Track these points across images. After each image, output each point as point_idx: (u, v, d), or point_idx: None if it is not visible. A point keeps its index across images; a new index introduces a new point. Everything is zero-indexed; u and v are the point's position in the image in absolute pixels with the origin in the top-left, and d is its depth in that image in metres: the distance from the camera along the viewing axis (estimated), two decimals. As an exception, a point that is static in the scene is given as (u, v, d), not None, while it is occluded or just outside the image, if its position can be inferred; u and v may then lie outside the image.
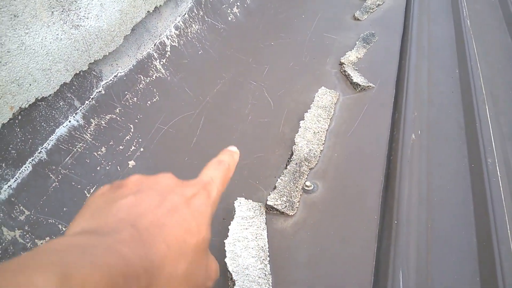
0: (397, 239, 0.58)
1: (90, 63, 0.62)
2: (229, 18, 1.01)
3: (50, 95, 0.56)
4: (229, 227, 0.61)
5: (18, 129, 0.52)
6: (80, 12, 0.59)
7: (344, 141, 0.77)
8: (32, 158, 0.54)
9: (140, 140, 0.69)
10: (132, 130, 0.68)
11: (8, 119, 0.50)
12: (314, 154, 0.75)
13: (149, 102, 0.73)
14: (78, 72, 0.60)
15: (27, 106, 0.53)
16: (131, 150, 0.67)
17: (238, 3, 1.06)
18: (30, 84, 0.52)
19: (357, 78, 0.93)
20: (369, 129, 0.80)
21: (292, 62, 1.01)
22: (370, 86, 0.91)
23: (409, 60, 0.97)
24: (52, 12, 0.54)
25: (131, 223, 0.32)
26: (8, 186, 0.51)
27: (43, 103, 0.55)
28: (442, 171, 0.71)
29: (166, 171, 0.65)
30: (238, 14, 1.04)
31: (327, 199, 0.67)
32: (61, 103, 0.58)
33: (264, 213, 0.65)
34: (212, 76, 0.89)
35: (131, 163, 0.66)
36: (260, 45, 1.03)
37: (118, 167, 0.64)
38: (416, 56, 1.00)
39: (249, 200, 0.66)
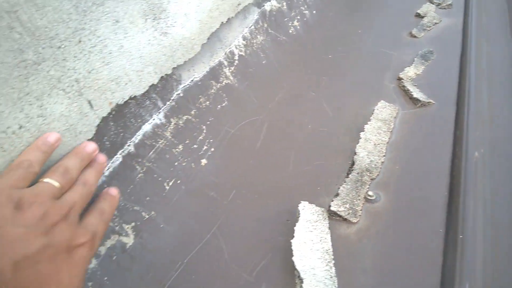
0: (463, 253, 0.58)
1: (173, 68, 0.67)
2: (290, 31, 1.05)
3: (140, 94, 0.61)
4: (295, 228, 0.64)
5: (112, 123, 0.57)
6: (168, 20, 0.65)
7: (405, 154, 0.78)
8: (122, 150, 0.59)
9: (211, 140, 0.73)
10: (204, 131, 0.73)
11: (107, 113, 0.56)
12: (376, 165, 0.76)
13: (219, 106, 0.78)
14: (163, 75, 0.65)
15: (122, 103, 0.58)
16: (203, 149, 0.71)
17: (298, 17, 1.10)
18: (126, 83, 0.58)
19: (417, 93, 0.94)
20: (430, 144, 0.80)
21: (349, 75, 1.03)
22: (431, 102, 0.91)
23: (469, 79, 0.97)
24: (146, 19, 0.60)
25: (13, 259, 0.34)
26: (102, 174, 0.56)
27: (133, 101, 0.60)
28: (506, 190, 0.71)
29: (233, 171, 0.69)
30: (298, 27, 1.08)
31: (390, 209, 0.68)
32: (147, 102, 0.63)
33: (327, 218, 0.67)
34: (273, 85, 0.93)
35: (203, 161, 0.70)
36: (318, 57, 1.06)
37: (193, 164, 0.69)
38: (476, 75, 0.99)
39: (312, 204, 0.69)
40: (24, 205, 0.37)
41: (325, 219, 0.67)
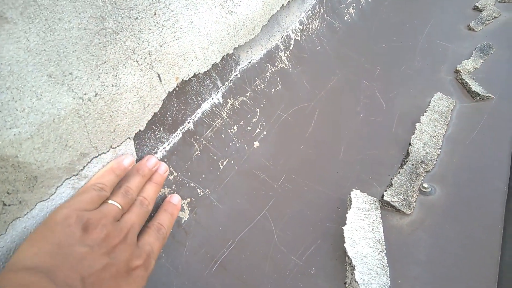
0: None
1: (234, 48, 0.67)
2: (345, 18, 1.03)
3: (202, 72, 0.62)
4: (347, 215, 0.63)
5: (175, 99, 0.58)
6: (234, -1, 0.64)
7: (463, 148, 0.75)
8: (182, 127, 0.60)
9: (264, 124, 0.73)
10: (258, 113, 0.73)
11: (172, 88, 0.56)
12: (431, 157, 0.74)
13: (273, 90, 0.78)
14: (225, 54, 0.65)
15: (186, 79, 0.59)
16: (256, 131, 0.71)
17: (354, 4, 1.08)
18: (192, 60, 0.58)
19: (475, 87, 0.90)
20: (489, 139, 0.77)
21: (404, 65, 1.00)
22: (490, 96, 0.87)
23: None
24: (214, -3, 0.60)
25: (81, 275, 0.36)
26: (163, 148, 0.57)
27: (195, 79, 0.61)
28: None
29: (284, 155, 0.68)
30: (353, 14, 1.06)
31: (446, 203, 0.66)
32: (207, 81, 0.64)
33: (379, 208, 0.66)
34: (327, 71, 0.91)
35: (256, 143, 0.71)
36: (372, 46, 1.04)
37: (246, 145, 0.69)
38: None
39: (364, 193, 0.68)
40: (90, 227, 0.40)
41: (377, 208, 0.66)
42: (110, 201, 0.44)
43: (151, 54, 0.50)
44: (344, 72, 0.93)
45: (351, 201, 0.66)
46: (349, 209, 0.65)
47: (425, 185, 0.69)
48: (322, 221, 0.65)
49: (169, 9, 0.51)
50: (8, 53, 0.36)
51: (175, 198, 0.54)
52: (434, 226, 0.63)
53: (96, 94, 0.45)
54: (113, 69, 0.46)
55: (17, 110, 0.38)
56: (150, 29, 0.49)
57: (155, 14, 0.49)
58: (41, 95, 0.39)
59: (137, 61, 0.49)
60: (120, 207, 0.45)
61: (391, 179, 0.70)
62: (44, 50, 0.39)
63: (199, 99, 0.63)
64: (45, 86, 0.39)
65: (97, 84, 0.45)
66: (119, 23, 0.45)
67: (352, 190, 0.68)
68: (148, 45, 0.50)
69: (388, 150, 0.77)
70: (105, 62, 0.45)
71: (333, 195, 0.70)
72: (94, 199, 0.43)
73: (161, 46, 0.51)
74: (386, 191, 0.68)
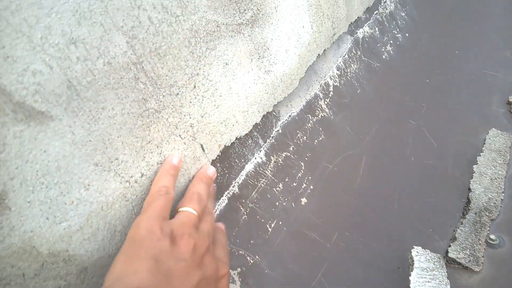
0: None
1: (274, 105, 0.66)
2: (383, 56, 1.00)
3: (244, 134, 0.61)
4: (410, 278, 0.58)
5: (219, 165, 0.57)
6: (271, 58, 0.64)
7: (531, 190, 0.69)
8: (227, 192, 0.58)
9: (310, 178, 0.70)
10: (303, 167, 0.70)
11: (216, 156, 0.55)
12: (495, 203, 0.68)
13: (316, 140, 0.75)
14: (265, 113, 0.64)
15: (229, 144, 0.57)
16: (302, 187, 0.69)
17: (391, 41, 1.05)
18: (233, 125, 0.57)
19: (535, 119, 0.83)
20: (560, 179, 0.70)
21: (451, 100, 0.95)
22: (553, 129, 0.80)
23: None
24: (251, 59, 0.60)
25: None
26: (210, 217, 0.55)
27: (237, 141, 0.60)
28: None
29: (334, 210, 0.64)
30: (391, 51, 1.03)
31: (520, 256, 0.59)
32: (249, 141, 0.62)
33: (445, 266, 0.60)
34: (370, 115, 0.88)
35: (303, 200, 0.68)
36: (414, 82, 1.00)
37: (293, 203, 0.66)
38: None
39: (426, 250, 0.62)
40: (177, 238, 0.38)
41: (442, 267, 0.60)
42: (186, 209, 0.43)
43: (193, 126, 0.50)
44: (388, 113, 0.90)
45: (413, 260, 0.61)
46: (411, 270, 0.59)
47: (492, 236, 0.63)
48: (383, 284, 0.60)
49: (208, 79, 0.51)
50: (55, 150, 0.36)
51: (221, 224, 0.52)
52: (509, 285, 0.57)
53: (142, 175, 0.44)
54: (157, 147, 0.46)
55: (65, 204, 0.37)
56: (190, 102, 0.49)
57: (194, 87, 0.49)
58: (88, 185, 0.39)
59: (180, 135, 0.48)
60: (196, 214, 0.43)
61: (454, 231, 0.65)
62: (90, 140, 0.39)
63: (242, 160, 0.61)
64: (92, 175, 0.39)
65: (142, 165, 0.44)
66: (160, 101, 0.45)
67: (413, 247, 0.63)
68: (190, 118, 0.49)
69: (447, 196, 0.72)
70: (149, 142, 0.44)
71: (392, 253, 0.64)
72: (165, 204, 0.41)
73: (202, 116, 0.51)
74: (450, 246, 0.62)
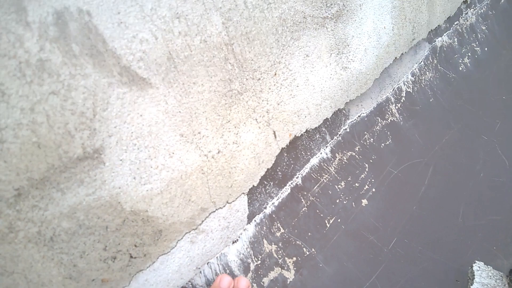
0: None
1: (346, 102, 0.66)
2: (460, 68, 0.96)
3: (313, 127, 0.61)
4: (471, 294, 0.55)
5: (286, 154, 0.58)
6: (349, 55, 0.64)
7: None
8: (291, 182, 0.59)
9: (373, 180, 0.69)
10: (367, 169, 0.69)
11: (286, 145, 0.56)
12: None
13: (383, 144, 0.74)
14: (336, 109, 0.64)
15: (299, 135, 0.58)
16: (364, 188, 0.68)
17: (469, 54, 1.00)
18: (305, 116, 0.58)
19: None
20: None
21: (531, 120, 0.89)
22: None
23: None
24: (331, 54, 0.60)
25: None
26: (272, 204, 0.57)
27: (306, 134, 0.60)
28: None
29: (395, 216, 0.62)
30: (468, 64, 0.99)
31: None
32: (317, 136, 0.63)
33: (507, 285, 0.57)
34: (441, 125, 0.85)
35: (364, 201, 0.67)
36: (490, 98, 0.95)
37: (353, 203, 0.65)
38: None
39: (488, 266, 0.59)
40: None
41: (504, 285, 0.57)
42: None
43: (269, 112, 0.51)
44: (460, 126, 0.86)
45: (473, 275, 0.58)
46: (471, 284, 0.57)
47: None
48: (439, 296, 0.58)
49: (288, 68, 0.52)
50: (150, 115, 0.39)
51: (243, 282, 0.49)
52: None
53: (219, 152, 0.46)
54: (235, 127, 0.47)
55: (151, 167, 0.40)
56: (269, 89, 0.50)
57: (275, 74, 0.50)
58: (173, 153, 0.42)
59: (256, 119, 0.50)
60: None
61: (525, 255, 0.61)
62: (179, 111, 0.41)
63: (308, 153, 0.62)
64: (177, 145, 0.42)
65: (220, 142, 0.46)
66: (243, 84, 0.47)
67: (475, 262, 0.60)
68: (267, 103, 0.51)
69: (518, 218, 0.68)
70: (229, 121, 0.46)
71: (451, 265, 0.62)
72: None
73: (278, 104, 0.52)
74: (518, 269, 0.59)
